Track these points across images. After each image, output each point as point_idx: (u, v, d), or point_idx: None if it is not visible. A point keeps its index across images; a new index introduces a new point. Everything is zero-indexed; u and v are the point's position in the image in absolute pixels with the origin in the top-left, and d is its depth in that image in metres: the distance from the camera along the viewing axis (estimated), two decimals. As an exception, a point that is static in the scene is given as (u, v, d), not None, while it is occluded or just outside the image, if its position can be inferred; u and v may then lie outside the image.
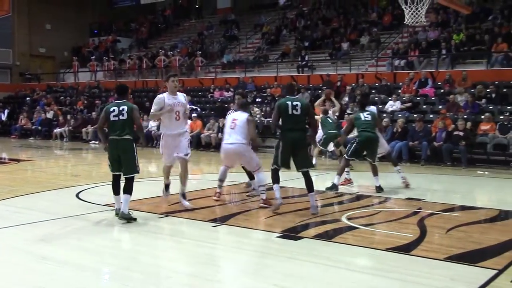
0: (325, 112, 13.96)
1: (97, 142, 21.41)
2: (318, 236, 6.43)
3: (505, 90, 16.88)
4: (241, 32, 29.47)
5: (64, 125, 23.66)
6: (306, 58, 22.99)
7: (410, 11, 13.04)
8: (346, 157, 10.02)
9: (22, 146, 20.75)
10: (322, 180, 11.48)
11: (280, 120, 7.76)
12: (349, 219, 7.39)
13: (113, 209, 7.55)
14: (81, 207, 8.21)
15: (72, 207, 8.21)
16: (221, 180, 8.91)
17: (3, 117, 27.02)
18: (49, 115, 25.15)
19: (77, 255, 5.65)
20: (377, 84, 19.56)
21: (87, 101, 25.68)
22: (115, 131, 7.26)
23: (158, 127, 17.86)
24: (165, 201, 8.42)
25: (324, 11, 27.68)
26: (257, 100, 20.48)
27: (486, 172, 13.41)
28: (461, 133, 14.33)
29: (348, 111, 17.53)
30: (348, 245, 6.04)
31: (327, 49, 23.75)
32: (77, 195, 9.16)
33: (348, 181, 10.60)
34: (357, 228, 6.88)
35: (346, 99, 18.62)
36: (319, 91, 20.23)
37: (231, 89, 22.23)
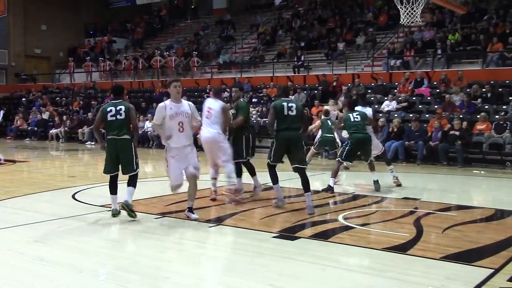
0: (326, 113, 13.88)
1: (93, 143, 21.38)
2: (315, 236, 6.44)
3: (500, 89, 16.95)
4: (237, 32, 29.47)
5: (60, 126, 23.60)
6: (302, 58, 23.00)
7: (405, 11, 13.05)
8: (340, 160, 10.04)
9: (18, 147, 20.70)
10: (318, 180, 11.50)
11: (276, 121, 7.89)
12: (345, 219, 7.40)
13: (110, 210, 7.54)
14: (77, 208, 8.19)
15: (68, 208, 8.20)
16: (214, 178, 8.90)
17: (-1, 118, 26.97)
18: (45, 116, 25.11)
19: (74, 256, 5.64)
20: (373, 84, 19.59)
21: (83, 102, 25.63)
22: (114, 131, 7.28)
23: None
24: (162, 201, 8.41)
25: (320, 11, 27.69)
26: (253, 100, 20.48)
27: (482, 172, 13.44)
28: (457, 133, 14.37)
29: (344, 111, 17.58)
30: (345, 245, 6.05)
31: (323, 49, 23.78)
32: (73, 196, 9.15)
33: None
34: (353, 228, 6.89)
35: (342, 99, 18.62)
36: (315, 91, 20.30)
37: (227, 90, 22.21)
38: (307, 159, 13.41)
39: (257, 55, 25.76)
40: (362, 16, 25.64)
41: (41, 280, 4.88)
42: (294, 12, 28.62)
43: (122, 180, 7.57)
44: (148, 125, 19.79)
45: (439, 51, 19.71)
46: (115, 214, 7.41)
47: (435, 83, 18.30)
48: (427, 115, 16.36)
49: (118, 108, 7.31)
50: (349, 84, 19.55)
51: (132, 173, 7.35)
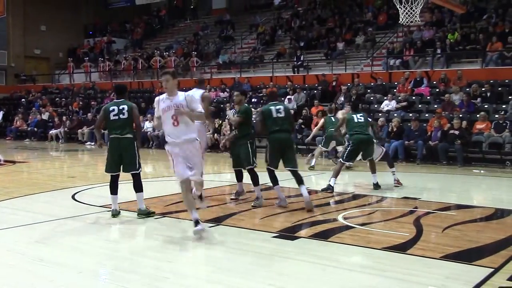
0: (331, 110, 13.88)
1: (93, 144, 21.41)
2: (315, 236, 6.44)
3: (500, 89, 16.96)
4: (237, 32, 29.47)
5: (59, 126, 23.60)
6: (302, 58, 23.02)
7: (404, 11, 13.05)
8: (341, 160, 10.05)
9: (18, 148, 20.70)
10: (318, 179, 11.51)
11: (267, 125, 8.16)
12: (345, 218, 7.40)
13: (109, 210, 7.55)
14: (77, 208, 8.19)
15: (68, 208, 8.20)
16: None
17: (-2, 119, 26.98)
18: (45, 116, 25.11)
19: (74, 256, 5.64)
20: (372, 84, 19.60)
21: (82, 102, 25.65)
22: (116, 130, 7.31)
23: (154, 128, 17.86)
24: (162, 201, 8.40)
25: (319, 11, 27.71)
26: (253, 100, 20.48)
27: (482, 171, 13.45)
28: (457, 132, 14.37)
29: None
30: (345, 245, 6.05)
31: (322, 49, 23.78)
32: (73, 197, 9.14)
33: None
34: (353, 227, 6.90)
35: (342, 99, 18.65)
36: (315, 91, 20.30)
37: (227, 90, 22.24)
38: (314, 157, 13.53)
39: (256, 55, 25.76)
40: (361, 16, 25.65)
41: (41, 281, 4.88)
42: (294, 12, 28.64)
43: (123, 180, 7.57)
44: (148, 125, 19.80)
45: (438, 51, 19.72)
46: (115, 214, 7.42)
47: (434, 82, 18.31)
48: (426, 115, 16.36)
49: (121, 107, 7.34)
50: (349, 84, 19.57)
51: (134, 172, 7.38)
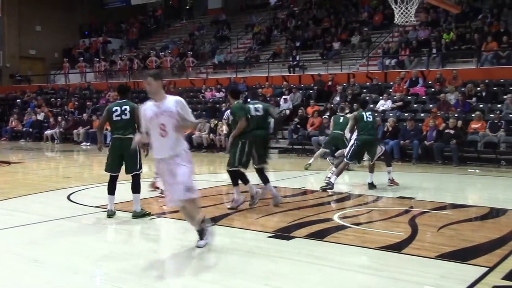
0: (342, 109, 13.28)
1: (88, 144, 21.38)
2: (310, 236, 6.45)
3: (495, 88, 17.02)
4: (232, 32, 29.46)
5: (55, 126, 23.56)
6: (297, 58, 23.03)
7: (400, 11, 13.09)
8: (346, 160, 10.09)
9: (13, 148, 20.65)
10: (314, 179, 11.53)
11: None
12: (341, 218, 7.41)
13: (105, 211, 7.54)
14: (72, 209, 8.18)
15: (63, 209, 8.19)
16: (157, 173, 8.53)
17: (-6, 119, 26.90)
18: (40, 117, 25.05)
19: (70, 257, 5.63)
20: (368, 84, 19.62)
21: (78, 103, 25.60)
22: (119, 131, 7.32)
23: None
24: (158, 202, 8.39)
25: (315, 11, 27.73)
26: (249, 100, 20.47)
27: (477, 170, 13.49)
28: (452, 132, 14.41)
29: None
30: (340, 244, 6.06)
31: (318, 49, 23.81)
32: (68, 197, 9.13)
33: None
34: (349, 227, 6.91)
35: (338, 98, 18.68)
36: (311, 91, 20.32)
37: (223, 90, 22.23)
38: (313, 157, 13.46)
39: (252, 55, 25.77)
40: (357, 16, 25.68)
41: (37, 281, 4.87)
42: (289, 12, 28.63)
43: (121, 181, 7.56)
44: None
45: (434, 51, 19.76)
46: (111, 215, 7.42)
47: (430, 82, 18.35)
48: (422, 114, 16.40)
49: (123, 108, 7.36)
50: (344, 84, 19.59)
51: (135, 173, 7.38)
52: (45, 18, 32.55)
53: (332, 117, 13.72)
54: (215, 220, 7.36)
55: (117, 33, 34.73)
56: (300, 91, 20.23)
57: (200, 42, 29.15)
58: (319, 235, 6.47)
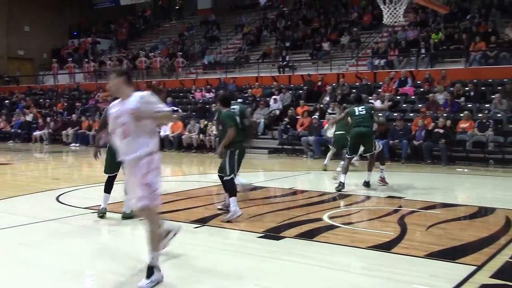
0: (344, 108, 13.14)
1: (77, 145, 21.27)
2: (300, 236, 6.45)
3: (483, 88, 17.13)
4: (222, 32, 29.45)
5: (43, 127, 23.40)
6: (287, 58, 23.07)
7: (388, 11, 13.14)
8: (347, 156, 10.14)
9: (1, 150, 20.49)
10: (306, 179, 11.54)
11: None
12: (330, 218, 7.42)
13: (95, 212, 7.50)
14: (62, 210, 8.13)
15: (52, 210, 8.14)
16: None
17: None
18: (29, 117, 24.87)
19: (59, 258, 5.60)
20: (357, 84, 19.68)
21: (67, 104, 25.46)
22: None
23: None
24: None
25: (305, 11, 27.78)
26: (239, 100, 20.48)
27: (466, 170, 13.57)
28: (441, 131, 14.48)
29: (329, 111, 17.64)
30: (330, 244, 6.07)
31: (307, 49, 23.86)
32: (57, 199, 9.07)
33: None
34: (338, 227, 6.92)
35: (327, 98, 18.72)
36: (300, 91, 20.35)
37: (212, 90, 22.21)
38: (327, 158, 13.08)
39: (242, 55, 25.77)
40: (346, 16, 25.77)
41: (25, 283, 4.84)
42: (279, 12, 28.68)
43: (120, 181, 7.52)
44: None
45: (422, 51, 19.88)
46: (102, 213, 7.38)
47: (419, 82, 18.44)
48: (411, 114, 16.47)
49: None
50: (334, 84, 19.63)
51: None
52: (33, 18, 32.32)
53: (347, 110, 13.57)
54: (204, 221, 7.35)
55: (106, 34, 34.58)
56: (290, 91, 20.26)
57: (190, 42, 29.10)
58: (309, 235, 6.48)
